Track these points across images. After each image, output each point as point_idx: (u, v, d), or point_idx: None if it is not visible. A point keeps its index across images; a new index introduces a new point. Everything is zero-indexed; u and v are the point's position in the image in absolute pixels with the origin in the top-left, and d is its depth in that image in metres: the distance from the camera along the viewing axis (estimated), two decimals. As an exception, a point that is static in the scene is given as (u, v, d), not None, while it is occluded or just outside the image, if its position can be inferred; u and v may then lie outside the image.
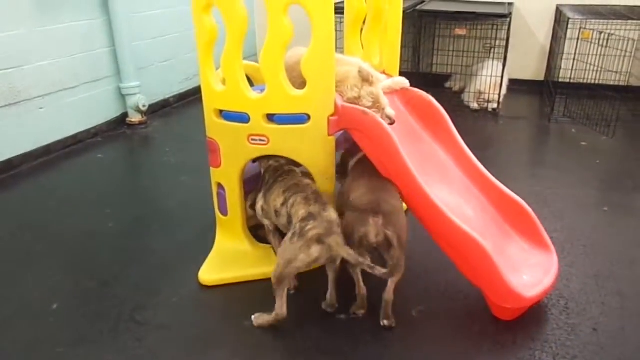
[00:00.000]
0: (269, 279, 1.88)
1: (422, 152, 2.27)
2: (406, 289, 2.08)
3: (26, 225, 2.70)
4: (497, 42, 4.48)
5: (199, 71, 2.13)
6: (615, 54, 4.25)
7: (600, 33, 4.11)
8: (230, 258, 2.29)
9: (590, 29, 4.13)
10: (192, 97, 4.80)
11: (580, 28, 4.12)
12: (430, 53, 4.95)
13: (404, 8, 2.65)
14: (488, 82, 4.36)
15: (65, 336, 1.93)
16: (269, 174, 2.12)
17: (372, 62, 2.36)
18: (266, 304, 1.91)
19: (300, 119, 2.03)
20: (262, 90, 2.03)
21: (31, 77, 3.36)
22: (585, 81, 4.33)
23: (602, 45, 4.16)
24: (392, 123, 2.04)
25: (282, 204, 1.96)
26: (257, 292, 2.07)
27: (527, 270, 2.04)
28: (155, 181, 3.27)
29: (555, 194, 2.95)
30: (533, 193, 2.88)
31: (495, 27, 4.51)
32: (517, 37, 4.83)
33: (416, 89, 2.41)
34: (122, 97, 4.09)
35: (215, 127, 2.17)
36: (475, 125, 4.20)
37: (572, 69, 4.24)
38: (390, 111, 2.07)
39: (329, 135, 2.06)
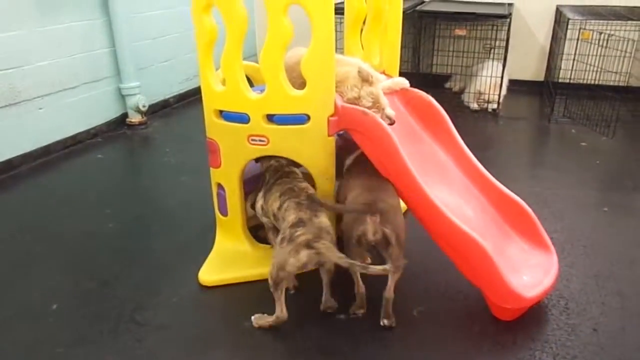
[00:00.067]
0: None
1: (422, 153, 2.27)
2: (406, 289, 2.08)
3: (26, 225, 2.70)
4: (497, 42, 4.48)
5: (199, 71, 2.13)
6: (615, 55, 4.25)
7: (600, 33, 4.11)
8: (230, 258, 2.29)
9: (590, 30, 4.13)
10: (192, 98, 4.80)
11: (580, 28, 4.12)
12: (430, 53, 4.95)
13: (403, 8, 2.65)
14: (488, 82, 4.36)
15: (65, 337, 1.93)
16: (269, 173, 2.12)
17: (372, 62, 2.36)
18: (266, 304, 1.91)
19: (300, 119, 2.03)
20: (262, 91, 2.03)
21: (31, 77, 3.36)
22: (585, 82, 4.33)
23: (602, 46, 4.16)
24: (392, 123, 2.05)
25: (278, 208, 1.97)
26: (257, 292, 2.06)
27: (527, 270, 2.04)
28: (155, 181, 3.27)
29: (555, 195, 2.95)
30: (533, 193, 2.88)
31: (495, 27, 4.51)
32: (517, 37, 4.83)
33: (416, 90, 2.41)
34: (122, 97, 4.09)
35: (215, 128, 2.17)
36: (475, 125, 4.20)
37: (572, 70, 4.24)
38: (390, 111, 2.07)
39: (328, 135, 2.06)
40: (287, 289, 1.98)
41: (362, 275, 1.94)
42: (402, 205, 2.11)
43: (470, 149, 2.30)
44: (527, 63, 5.03)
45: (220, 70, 2.08)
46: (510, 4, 4.78)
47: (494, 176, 2.24)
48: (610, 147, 3.70)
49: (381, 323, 1.93)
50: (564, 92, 4.32)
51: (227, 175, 2.23)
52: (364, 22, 2.49)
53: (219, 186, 2.29)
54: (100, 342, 1.89)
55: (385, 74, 2.48)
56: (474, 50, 4.74)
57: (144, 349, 1.86)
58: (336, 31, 1.99)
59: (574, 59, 4.21)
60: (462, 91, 4.73)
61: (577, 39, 4.09)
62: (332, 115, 2.03)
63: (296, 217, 1.85)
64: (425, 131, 2.37)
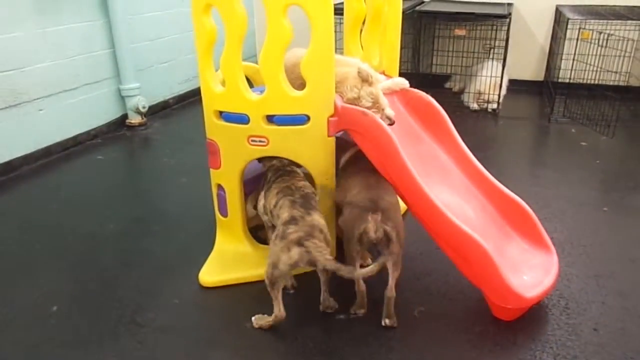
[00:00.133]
0: (268, 280, 1.89)
1: (422, 153, 2.27)
2: (407, 290, 2.09)
3: (26, 227, 2.70)
4: (497, 42, 4.49)
5: (199, 72, 2.13)
6: (615, 54, 4.25)
7: (600, 33, 4.11)
8: (230, 259, 2.29)
9: (590, 29, 4.13)
10: (192, 99, 4.80)
11: (580, 28, 4.12)
12: (429, 54, 4.95)
13: (403, 9, 2.65)
14: (488, 82, 4.36)
15: (66, 338, 1.93)
16: (271, 172, 2.12)
17: (371, 62, 2.36)
18: (266, 305, 1.91)
19: (300, 119, 2.03)
20: (262, 92, 2.03)
21: (31, 78, 3.36)
22: (584, 81, 4.33)
23: (602, 46, 4.16)
24: (391, 124, 2.05)
25: (274, 206, 1.97)
26: (257, 293, 2.06)
27: (528, 270, 2.04)
28: (155, 182, 3.27)
29: (555, 194, 2.95)
30: (533, 193, 2.88)
31: (494, 27, 4.51)
32: (516, 37, 4.83)
33: (416, 90, 2.41)
34: (122, 98, 4.09)
35: (215, 129, 2.17)
36: (475, 125, 4.20)
37: (571, 69, 4.25)
38: (390, 112, 2.07)
39: (328, 136, 2.06)
40: (285, 289, 1.99)
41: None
42: (402, 205, 2.11)
43: (470, 149, 2.30)
44: (526, 63, 5.03)
45: (220, 71, 2.08)
46: (509, 4, 4.78)
47: (494, 176, 2.24)
48: (610, 147, 3.70)
49: (383, 323, 1.93)
50: (563, 92, 4.32)
51: (227, 176, 2.23)
52: (363, 23, 2.49)
53: (219, 187, 2.29)
54: (101, 343, 1.89)
55: (385, 75, 2.49)
56: (473, 50, 4.74)
57: (145, 350, 1.86)
58: (336, 32, 1.99)
59: (573, 59, 4.21)
60: (462, 91, 4.74)
61: (577, 39, 4.09)
62: (332, 116, 2.03)
63: (289, 214, 1.86)
64: (425, 131, 2.38)
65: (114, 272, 2.31)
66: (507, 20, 4.28)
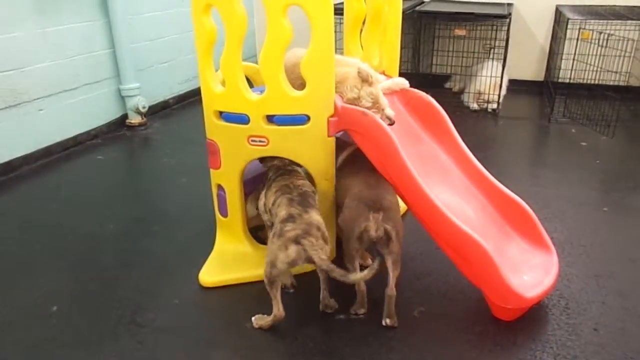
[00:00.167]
0: (268, 280, 1.89)
1: (422, 153, 2.27)
2: (407, 290, 2.09)
3: (26, 227, 2.70)
4: (497, 42, 4.49)
5: (199, 72, 2.13)
6: (615, 54, 4.25)
7: (600, 33, 4.11)
8: (230, 259, 2.29)
9: (590, 29, 4.13)
10: (192, 99, 4.80)
11: (580, 28, 4.12)
12: (429, 54, 4.95)
13: (403, 9, 2.65)
14: (488, 82, 4.36)
15: (66, 338, 1.93)
16: (272, 171, 2.13)
17: (371, 62, 2.36)
18: (266, 305, 1.91)
19: (300, 119, 2.03)
20: (262, 92, 2.03)
21: (31, 78, 3.36)
22: (584, 81, 4.33)
23: (602, 46, 4.16)
24: (391, 124, 2.05)
25: (272, 204, 1.97)
26: (257, 293, 2.06)
27: (528, 270, 2.04)
28: (155, 183, 3.27)
29: (555, 194, 2.95)
30: (533, 193, 2.88)
31: (494, 27, 4.51)
32: (516, 37, 4.83)
33: (416, 90, 2.41)
34: (122, 98, 4.09)
35: (215, 129, 2.17)
36: (475, 125, 4.20)
37: (571, 69, 4.25)
38: (390, 112, 2.07)
39: (328, 136, 2.06)
40: (285, 288, 1.99)
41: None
42: (402, 205, 2.11)
43: (470, 149, 2.30)
44: (526, 63, 5.03)
45: (220, 71, 2.08)
46: (509, 4, 4.78)
47: (494, 176, 2.24)
48: (610, 147, 3.70)
49: (383, 323, 1.93)
50: (563, 92, 4.32)
51: (227, 176, 2.23)
52: (363, 23, 2.49)
53: (219, 187, 2.29)
54: (101, 344, 1.89)
55: (385, 75, 2.49)
56: (473, 50, 4.74)
57: (145, 351, 1.86)
58: (336, 32, 1.99)
59: (573, 59, 4.21)
60: (462, 91, 4.74)
61: (577, 39, 4.09)
62: (332, 116, 2.03)
63: (286, 212, 1.86)
64: (425, 131, 2.37)
65: (114, 272, 2.31)
66: (507, 20, 4.28)
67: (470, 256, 1.90)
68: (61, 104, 3.60)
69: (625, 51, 4.14)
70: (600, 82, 4.27)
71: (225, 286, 2.18)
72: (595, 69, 4.24)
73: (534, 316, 1.98)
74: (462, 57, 4.77)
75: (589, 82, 4.31)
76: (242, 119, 2.07)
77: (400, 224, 1.91)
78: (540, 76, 5.05)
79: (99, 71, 3.89)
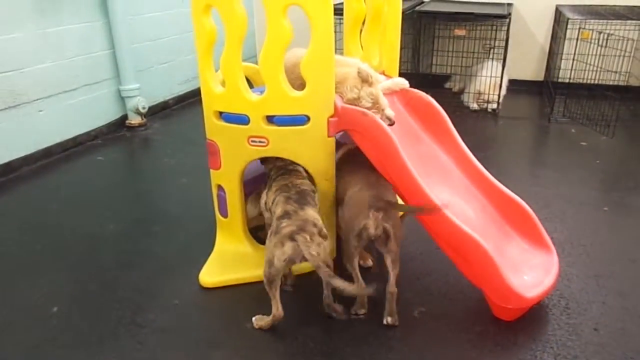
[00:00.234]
0: (269, 281, 1.88)
1: (422, 153, 2.27)
2: (407, 290, 2.08)
3: (26, 228, 2.70)
4: (497, 42, 4.49)
5: (199, 73, 2.13)
6: (615, 54, 4.25)
7: (600, 33, 4.11)
8: (230, 260, 2.29)
9: (590, 29, 4.13)
10: (192, 99, 4.80)
11: (580, 28, 4.12)
12: (429, 54, 4.95)
13: (403, 9, 2.65)
14: (487, 82, 4.36)
15: (66, 339, 1.93)
16: (273, 171, 2.13)
17: (371, 63, 2.36)
18: (266, 305, 1.91)
19: (300, 120, 2.03)
20: (262, 92, 2.03)
21: (31, 79, 3.36)
22: (584, 81, 4.33)
23: (602, 45, 4.16)
24: (391, 124, 2.05)
25: (272, 203, 1.98)
26: (257, 293, 2.06)
27: (528, 270, 2.04)
28: (155, 183, 3.27)
29: (555, 194, 2.95)
30: (533, 193, 2.88)
31: (494, 27, 4.51)
32: (516, 37, 4.83)
33: (416, 90, 2.41)
34: (122, 99, 4.09)
35: (215, 129, 2.17)
36: (475, 125, 4.20)
37: (571, 69, 4.25)
38: (390, 112, 2.07)
39: (328, 136, 2.06)
40: (284, 287, 1.98)
41: (361, 273, 1.94)
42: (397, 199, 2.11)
43: (470, 149, 2.30)
44: (526, 63, 5.03)
45: (220, 72, 2.08)
46: (509, 4, 4.78)
47: (494, 176, 2.24)
48: (610, 146, 3.70)
49: (384, 321, 1.93)
50: (563, 92, 4.32)
51: (227, 177, 2.23)
52: (363, 23, 2.49)
53: (219, 187, 2.29)
54: (101, 344, 1.89)
55: (385, 75, 2.48)
56: (473, 50, 4.74)
57: (145, 351, 1.86)
58: (335, 32, 1.99)
59: (573, 59, 4.21)
60: (461, 91, 4.74)
61: (577, 39, 4.09)
62: (331, 116, 2.03)
63: (282, 209, 1.87)
64: (425, 132, 2.37)
65: (114, 272, 2.31)
66: (507, 20, 4.28)
67: (471, 256, 1.90)
68: (61, 104, 3.60)
69: (625, 51, 4.13)
70: (600, 82, 4.27)
71: (226, 286, 2.18)
72: (595, 68, 4.24)
73: (534, 316, 1.98)
74: (462, 57, 4.77)
75: (588, 82, 4.30)
76: (242, 120, 2.07)
77: (399, 224, 1.92)
78: (540, 76, 5.05)
79: (99, 72, 3.89)
